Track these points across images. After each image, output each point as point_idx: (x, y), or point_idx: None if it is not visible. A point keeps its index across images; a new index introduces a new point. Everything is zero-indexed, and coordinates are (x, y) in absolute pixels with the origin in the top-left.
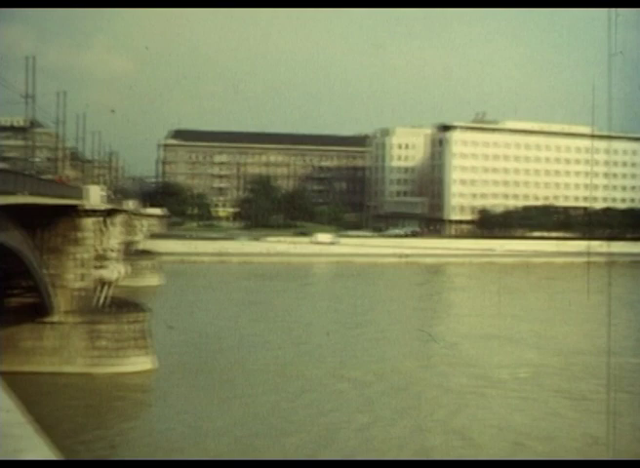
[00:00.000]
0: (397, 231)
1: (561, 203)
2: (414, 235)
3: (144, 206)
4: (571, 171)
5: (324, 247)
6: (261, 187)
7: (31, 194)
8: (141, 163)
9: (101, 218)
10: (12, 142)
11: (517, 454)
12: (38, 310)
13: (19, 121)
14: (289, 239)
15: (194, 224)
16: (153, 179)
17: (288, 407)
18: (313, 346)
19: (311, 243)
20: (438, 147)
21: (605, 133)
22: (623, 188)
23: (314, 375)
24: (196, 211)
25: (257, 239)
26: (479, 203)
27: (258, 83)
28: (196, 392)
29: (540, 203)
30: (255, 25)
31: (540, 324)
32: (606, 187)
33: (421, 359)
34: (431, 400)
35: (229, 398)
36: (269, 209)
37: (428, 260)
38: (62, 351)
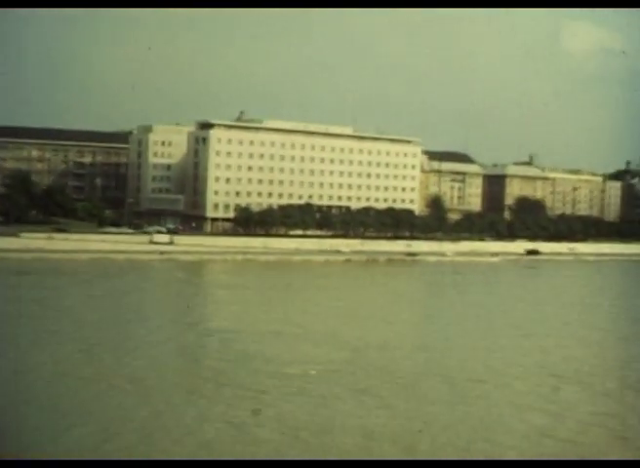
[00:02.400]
0: (157, 228)
1: (322, 202)
2: (174, 232)
3: None
4: (332, 170)
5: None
6: (19, 183)
7: None
8: None
9: None
10: None
11: None
12: None
13: None
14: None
15: None
16: None
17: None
18: (87, 345)
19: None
20: (199, 145)
21: (365, 133)
22: (384, 188)
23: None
24: None
25: (14, 235)
26: (241, 201)
27: (19, 77)
28: None
29: (301, 201)
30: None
31: (323, 320)
32: (367, 187)
33: (195, 354)
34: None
35: None
36: (27, 204)
37: (188, 257)
38: None
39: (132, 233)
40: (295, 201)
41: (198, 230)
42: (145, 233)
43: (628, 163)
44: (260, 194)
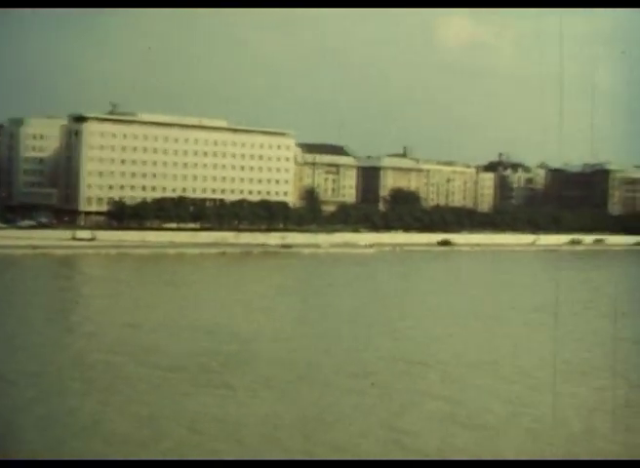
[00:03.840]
0: (28, 222)
1: (196, 194)
2: (44, 226)
3: None
4: (206, 163)
5: None
6: None
7: None
8: None
9: None
10: None
11: None
12: None
13: None
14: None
15: None
16: None
17: None
18: None
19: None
20: (73, 138)
21: (239, 126)
22: (258, 181)
23: None
24: None
25: None
26: (115, 194)
27: None
28: None
29: (175, 194)
30: None
31: (208, 312)
32: (240, 180)
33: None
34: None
35: None
36: None
37: (61, 252)
38: None
39: (3, 227)
40: (169, 194)
41: (71, 224)
42: (18, 227)
43: (501, 155)
44: (133, 187)
